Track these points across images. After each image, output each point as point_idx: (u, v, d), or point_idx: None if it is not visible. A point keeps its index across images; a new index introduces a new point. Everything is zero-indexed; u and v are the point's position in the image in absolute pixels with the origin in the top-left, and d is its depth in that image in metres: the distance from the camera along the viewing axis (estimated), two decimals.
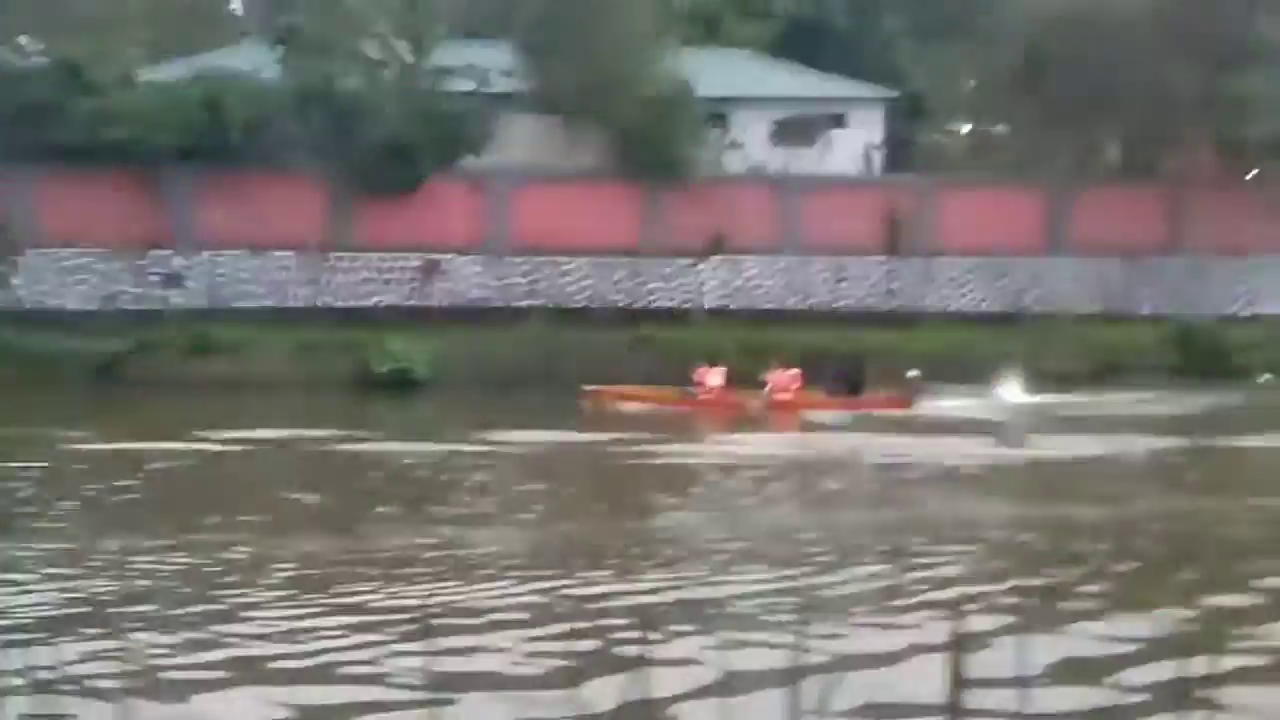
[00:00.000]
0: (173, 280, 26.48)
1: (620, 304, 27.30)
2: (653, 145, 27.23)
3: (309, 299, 26.76)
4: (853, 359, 23.48)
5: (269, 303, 26.47)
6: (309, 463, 15.71)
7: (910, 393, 21.91)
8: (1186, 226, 28.34)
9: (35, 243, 26.14)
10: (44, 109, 25.58)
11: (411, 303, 26.93)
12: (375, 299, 26.91)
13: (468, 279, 27.37)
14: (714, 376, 21.77)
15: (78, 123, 25.57)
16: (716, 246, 27.50)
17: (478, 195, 27.73)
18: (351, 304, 26.83)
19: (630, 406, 21.93)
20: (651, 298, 27.50)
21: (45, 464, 14.43)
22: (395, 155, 26.58)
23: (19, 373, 23.01)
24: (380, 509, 11.39)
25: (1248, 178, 28.51)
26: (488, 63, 28.30)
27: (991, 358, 24.96)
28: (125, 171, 26.24)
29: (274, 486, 13.61)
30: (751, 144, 29.40)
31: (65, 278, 26.24)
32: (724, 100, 29.41)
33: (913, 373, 22.64)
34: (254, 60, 27.81)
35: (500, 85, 28.14)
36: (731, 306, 27.40)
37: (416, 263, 27.08)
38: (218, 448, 15.86)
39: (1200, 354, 25.94)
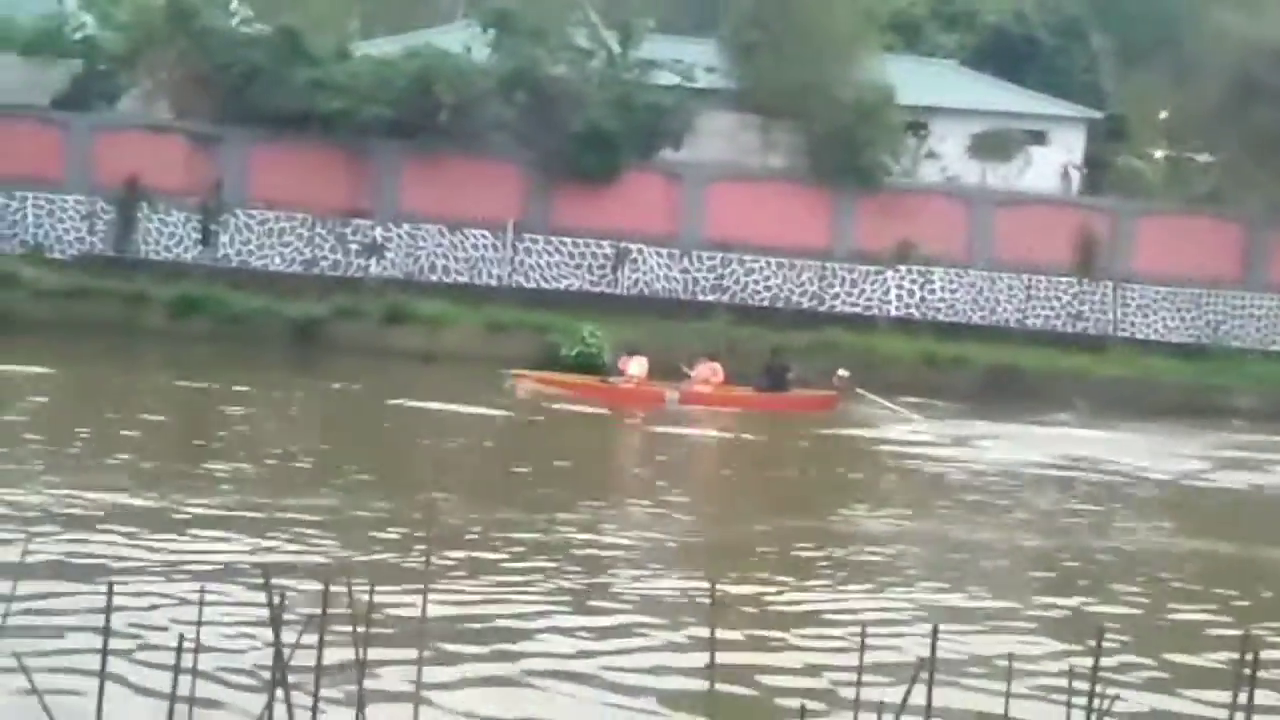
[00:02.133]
0: (373, 250, 24.18)
1: (804, 306, 24.00)
2: (849, 150, 24.37)
3: (501, 278, 24.22)
4: (782, 354, 20.67)
5: (463, 279, 24.06)
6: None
7: (839, 393, 19.41)
8: None
9: (244, 204, 24.17)
10: (262, 75, 23.83)
11: (600, 289, 24.25)
12: (565, 283, 24.21)
13: (655, 270, 24.58)
14: (635, 365, 19.38)
15: (294, 91, 23.89)
16: (905, 255, 24.26)
17: (673, 188, 25.16)
18: (542, 286, 24.24)
19: (549, 390, 19.44)
20: (836, 302, 24.09)
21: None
22: (595, 143, 24.30)
23: (218, 328, 21.92)
24: None
25: None
26: (692, 58, 26.05)
27: (1176, 387, 23.14)
28: (334, 141, 24.16)
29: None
30: (948, 155, 26.13)
31: (270, 240, 24.08)
32: (923, 109, 26.34)
33: (843, 373, 19.95)
34: (465, 41, 25.38)
35: (703, 81, 25.71)
36: (916, 316, 24.11)
37: (608, 250, 24.34)
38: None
39: None
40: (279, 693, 2.03)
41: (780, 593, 7.75)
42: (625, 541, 9.35)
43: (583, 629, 6.70)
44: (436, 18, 32.07)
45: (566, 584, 7.72)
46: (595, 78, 25.19)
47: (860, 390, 19.66)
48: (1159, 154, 27.99)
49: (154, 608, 6.08)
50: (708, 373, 19.41)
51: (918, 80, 26.22)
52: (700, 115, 25.46)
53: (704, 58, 26.21)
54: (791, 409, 19.36)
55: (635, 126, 24.58)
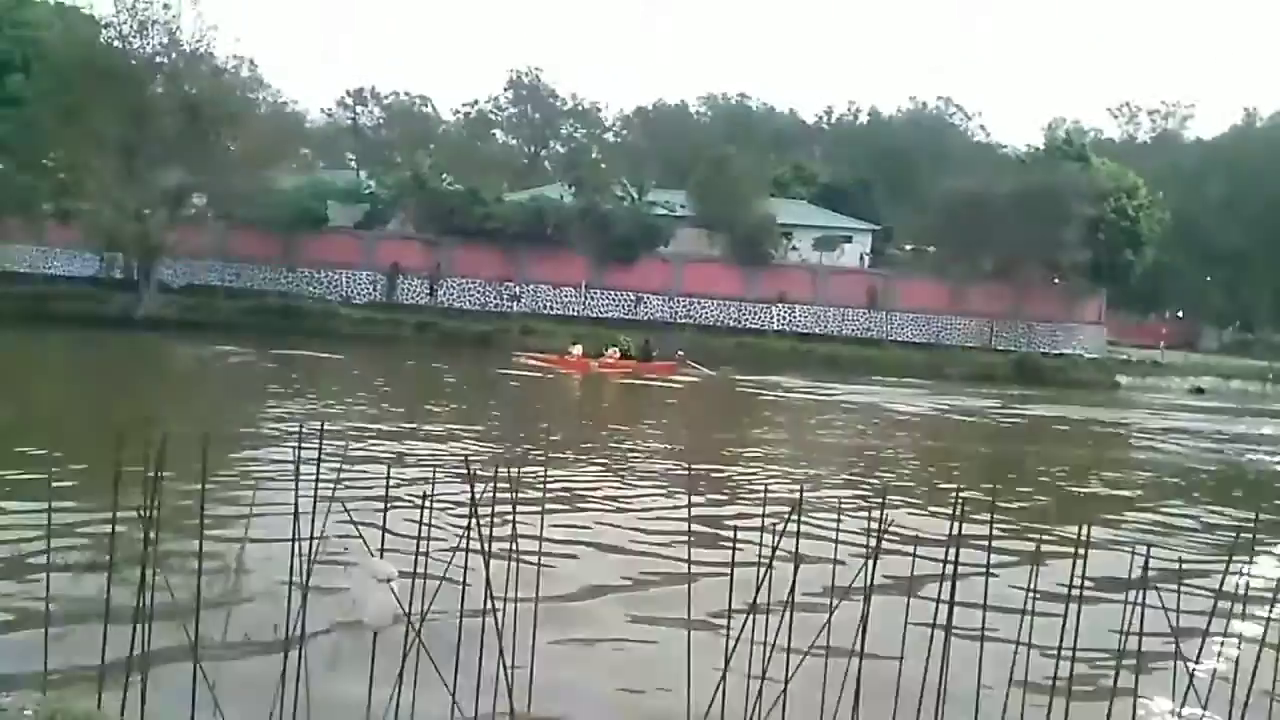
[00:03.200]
0: (514, 298, 39.86)
1: (730, 325, 41.81)
2: (753, 246, 40.48)
3: (580, 312, 39.86)
4: (647, 343, 31.58)
5: (559, 313, 39.66)
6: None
7: (677, 363, 30.13)
8: None
9: (450, 275, 40.15)
10: (458, 210, 39.30)
11: (628, 317, 39.75)
12: (610, 314, 40.07)
13: (656, 307, 40.50)
14: (576, 349, 29.75)
15: (474, 218, 39.16)
16: (781, 299, 42.10)
17: (666, 266, 41.00)
18: (600, 316, 39.77)
19: (532, 363, 28.45)
20: (746, 322, 41.42)
21: None
22: (625, 244, 40.16)
23: (438, 338, 35.19)
24: None
25: None
26: (674, 199, 42.34)
27: (919, 365, 39.49)
28: (494, 244, 39.84)
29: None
30: (803, 248, 42.94)
31: (463, 294, 39.90)
32: (789, 225, 42.91)
33: (680, 352, 31.34)
34: (559, 191, 42.34)
35: (679, 211, 41.85)
36: (786, 330, 42.70)
37: (631, 297, 40.57)
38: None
39: None
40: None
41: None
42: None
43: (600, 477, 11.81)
44: (545, 180, 49.54)
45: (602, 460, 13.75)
46: (623, 209, 41.20)
47: (689, 362, 30.51)
48: (909, 246, 46.19)
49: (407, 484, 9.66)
50: (613, 355, 29.66)
51: (787, 210, 43.77)
52: (678, 229, 41.83)
53: (679, 198, 42.63)
54: (653, 371, 28.79)
55: (645, 235, 40.66)
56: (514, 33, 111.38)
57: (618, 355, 29.94)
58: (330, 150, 65.47)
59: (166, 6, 33.04)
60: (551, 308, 40.82)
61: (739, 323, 41.24)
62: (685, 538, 4.84)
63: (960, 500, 4.05)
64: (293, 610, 4.44)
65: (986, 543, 4.13)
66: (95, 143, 31.54)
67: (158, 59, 33.79)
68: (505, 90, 69.06)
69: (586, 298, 41.31)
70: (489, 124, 70.48)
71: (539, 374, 27.59)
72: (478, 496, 4.16)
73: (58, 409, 16.03)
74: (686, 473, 10.18)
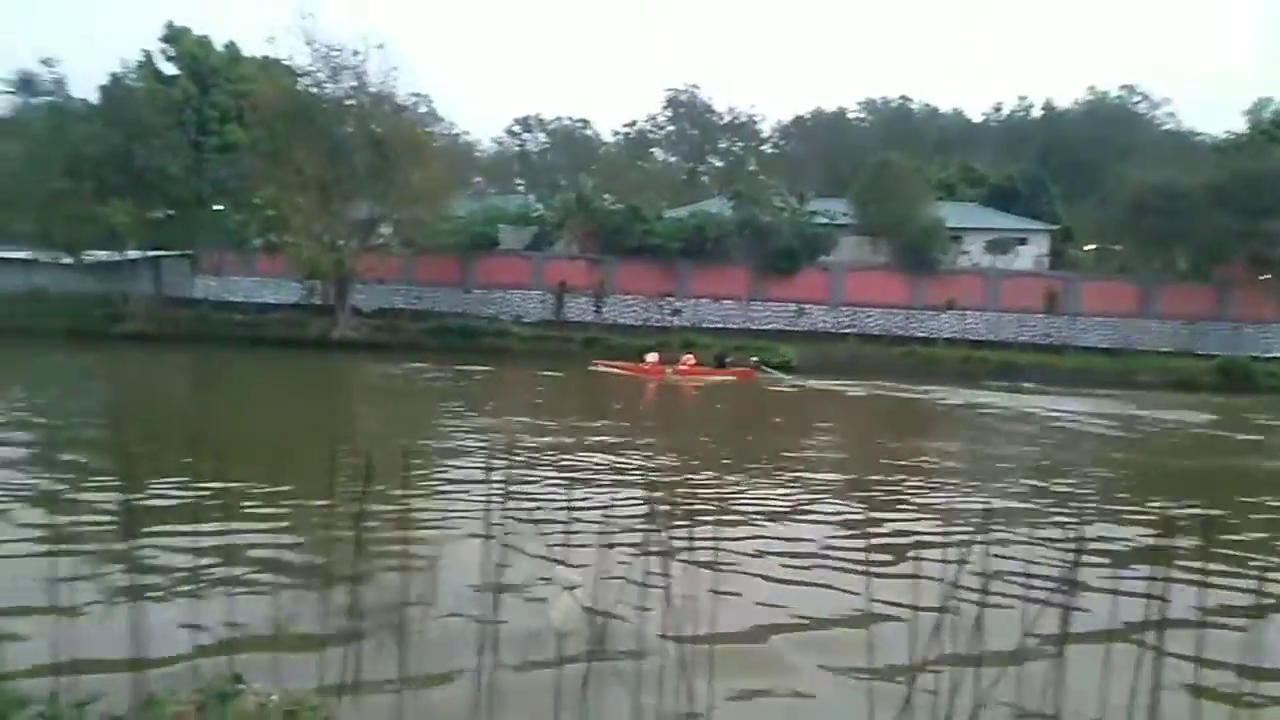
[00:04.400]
0: (676, 312, 40.57)
1: (898, 334, 39.58)
2: (918, 252, 39.38)
3: (739, 324, 40.20)
4: (723, 351, 32.78)
5: (719, 325, 39.81)
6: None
7: (754, 369, 31.07)
8: None
9: (614, 293, 41.17)
10: (621, 229, 40.32)
11: (790, 328, 39.73)
12: (771, 325, 40.09)
13: (818, 317, 40.28)
14: (652, 356, 31.48)
15: (635, 236, 39.98)
16: (950, 306, 40.34)
17: (826, 276, 40.54)
18: (761, 328, 39.77)
19: (610, 370, 30.36)
20: (915, 331, 39.59)
21: None
22: (786, 255, 39.98)
23: (604, 352, 35.23)
24: None
25: None
26: (835, 207, 41.71)
27: (1105, 372, 36.89)
28: (655, 260, 40.51)
29: None
30: (974, 253, 41.44)
31: (627, 310, 40.82)
32: (958, 229, 41.31)
33: (754, 359, 32.15)
34: (719, 207, 42.57)
35: (841, 220, 41.16)
36: (956, 338, 41.14)
37: (792, 308, 40.60)
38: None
39: None
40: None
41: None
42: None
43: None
44: (704, 195, 50.33)
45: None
46: (785, 220, 40.97)
47: (764, 368, 31.40)
48: (1091, 247, 43.17)
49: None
50: (688, 361, 30.86)
51: (955, 214, 42.14)
52: (840, 238, 41.39)
53: (841, 207, 41.90)
54: (728, 377, 30.01)
55: (806, 245, 40.27)
56: (671, 53, 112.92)
57: (692, 362, 30.87)
58: (500, 176, 68.62)
59: (356, 53, 35.75)
60: (712, 321, 40.95)
61: (906, 331, 40.10)
62: (862, 565, 4.71)
63: (1167, 523, 3.73)
64: (485, 613, 4.69)
65: (1199, 579, 3.79)
66: (297, 181, 34.49)
67: (347, 101, 36.59)
68: (663, 109, 70.26)
69: (748, 310, 41.12)
70: (648, 143, 71.77)
71: (622, 376, 29.50)
72: (654, 509, 4.20)
73: (279, 422, 17.63)
74: (860, 491, 10.32)
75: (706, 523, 6.34)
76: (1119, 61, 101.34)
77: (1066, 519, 9.80)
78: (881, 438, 19.70)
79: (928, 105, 71.29)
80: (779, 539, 9.30)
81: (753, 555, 8.36)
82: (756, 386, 29.59)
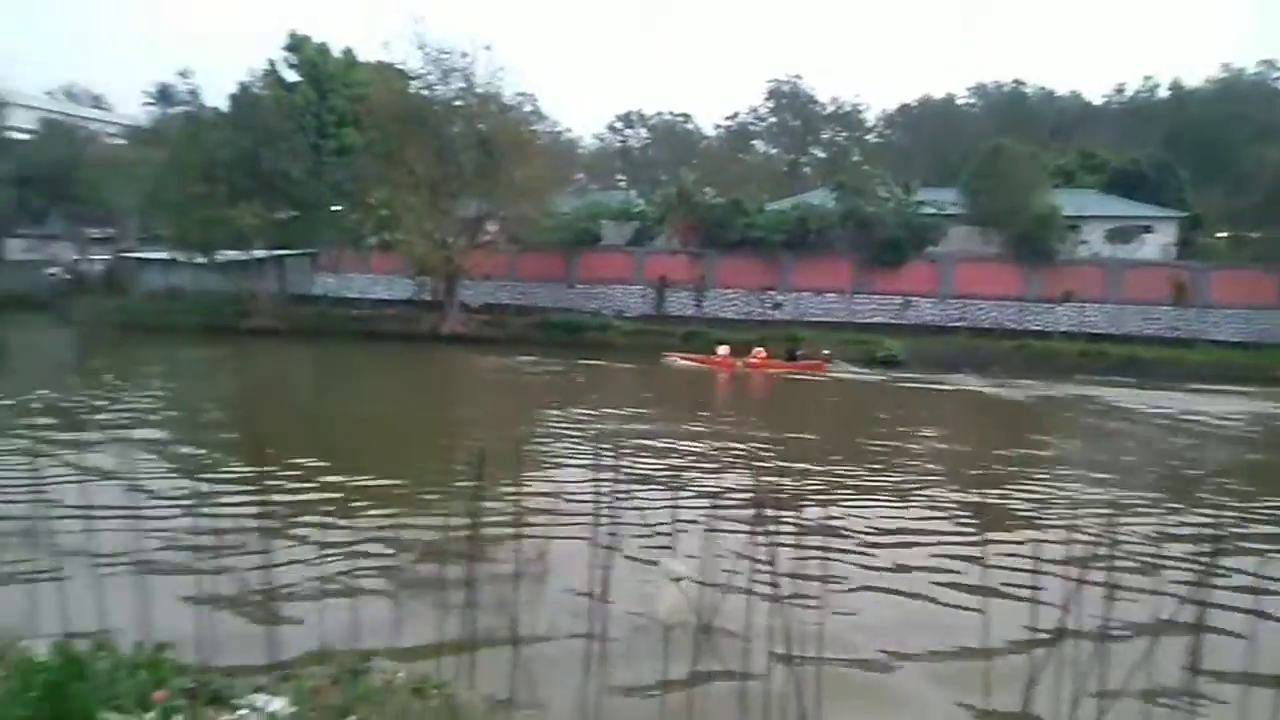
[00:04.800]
0: (776, 306, 40.21)
1: (1010, 327, 37.85)
2: (1033, 242, 37.77)
3: (842, 318, 39.63)
4: (795, 344, 33.52)
5: (822, 319, 39.19)
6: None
7: (825, 361, 31.56)
8: None
9: (715, 286, 41.05)
10: (722, 223, 40.01)
11: (895, 321, 38.65)
12: (876, 319, 39.18)
13: (926, 310, 39.17)
14: (723, 349, 32.11)
15: (736, 229, 39.81)
16: (1067, 298, 38.58)
17: (934, 268, 39.45)
18: (868, 322, 38.92)
19: (680, 363, 31.54)
20: (1029, 325, 37.92)
21: None
22: (891, 246, 38.90)
23: (701, 346, 35.02)
24: None
25: None
26: (943, 197, 40.55)
27: (1240, 367, 32.67)
28: (757, 253, 40.05)
29: None
30: (1094, 243, 39.67)
31: (728, 304, 40.71)
32: (1075, 217, 39.32)
33: (826, 351, 32.48)
34: (821, 198, 41.87)
35: (949, 210, 39.95)
36: (1074, 331, 38.99)
37: (898, 300, 39.53)
38: None
39: None
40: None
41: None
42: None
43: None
44: (806, 187, 49.79)
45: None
46: (889, 211, 39.68)
47: (835, 360, 31.71)
48: (1224, 234, 40.32)
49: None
50: (760, 354, 31.78)
51: (1073, 201, 39.99)
52: (948, 228, 40.07)
53: (950, 196, 40.61)
54: (798, 369, 30.89)
55: (914, 236, 39.06)
56: (773, 44, 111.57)
57: (763, 355, 31.67)
58: (601, 172, 69.29)
59: (464, 55, 36.72)
60: (815, 315, 40.37)
61: (1019, 324, 38.54)
62: (981, 583, 4.56)
63: None
64: (594, 601, 4.80)
65: None
66: (409, 181, 35.72)
67: (456, 102, 37.63)
68: (765, 100, 69.46)
69: (852, 303, 40.37)
70: (749, 135, 71.14)
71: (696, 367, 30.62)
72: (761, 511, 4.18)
73: (400, 413, 18.39)
74: (976, 490, 10.04)
75: (814, 529, 6.20)
76: (1255, 36, 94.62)
77: (1200, 530, 9.29)
78: (996, 435, 19.06)
79: (1043, 88, 68.14)
80: (895, 545, 9.10)
81: (870, 566, 8.15)
82: (860, 382, 29.21)
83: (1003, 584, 6.73)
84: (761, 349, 32.18)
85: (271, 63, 43.46)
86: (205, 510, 5.75)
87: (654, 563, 6.43)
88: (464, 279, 39.44)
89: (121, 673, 2.91)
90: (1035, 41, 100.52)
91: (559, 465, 11.96)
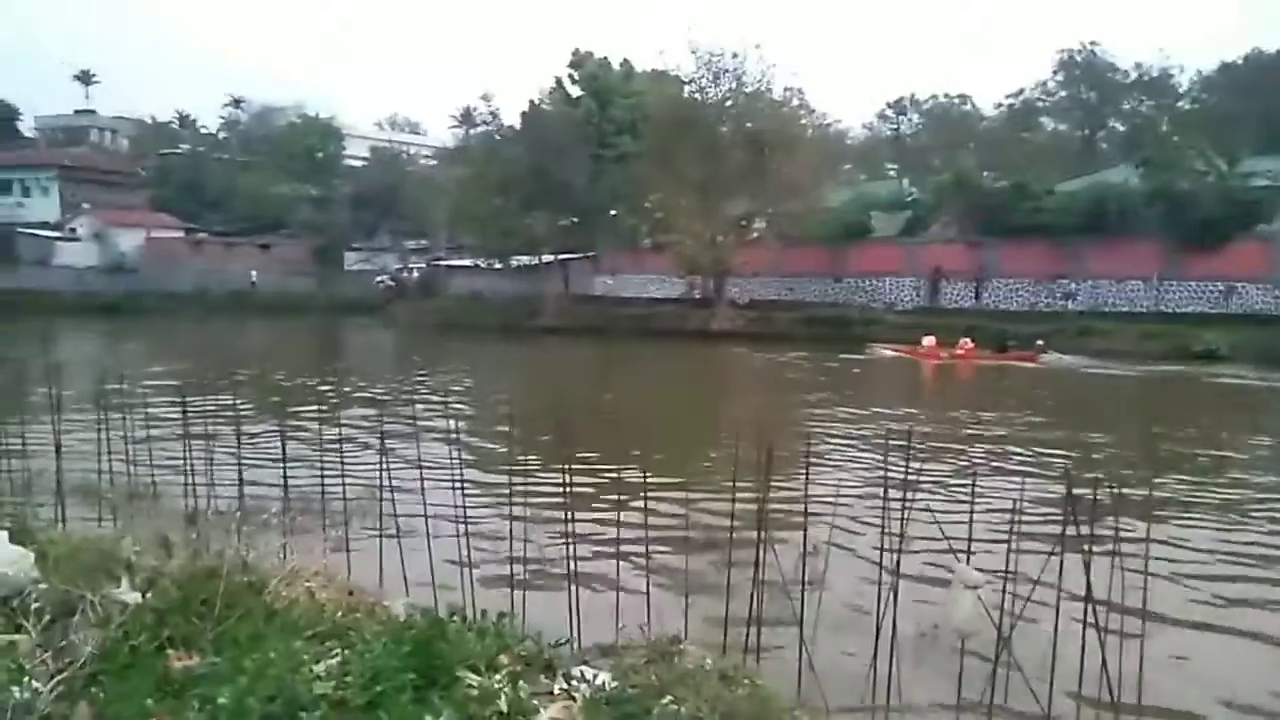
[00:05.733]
0: (1068, 295, 36.93)
1: None
2: None
3: (1149, 307, 35.61)
4: (1002, 335, 31.72)
5: (1124, 309, 35.77)
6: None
7: (1037, 353, 29.86)
8: None
9: (997, 276, 38.61)
10: (1001, 207, 37.73)
11: (1216, 310, 34.06)
12: (1191, 307, 34.64)
13: (1254, 298, 33.96)
14: (929, 339, 31.46)
15: (1021, 214, 37.14)
16: None
17: (1266, 248, 34.17)
18: (1177, 311, 34.75)
19: (888, 353, 31.32)
20: None
21: None
22: (1210, 226, 33.96)
23: (978, 338, 32.07)
24: None
25: None
26: (1275, 167, 35.25)
27: None
28: (1045, 239, 37.02)
29: None
30: None
31: (1011, 293, 38.06)
32: None
33: (1039, 342, 30.63)
34: (1124, 175, 37.96)
35: None
36: None
37: (1219, 287, 34.52)
38: None
39: None
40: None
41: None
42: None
43: None
44: (1104, 165, 45.35)
45: None
46: (1209, 186, 34.70)
47: (1050, 350, 29.91)
48: None
49: None
50: (967, 344, 30.62)
51: None
52: None
53: None
54: (1008, 360, 29.44)
55: (1239, 213, 33.85)
56: (1061, 12, 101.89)
57: (970, 345, 30.76)
58: (870, 162, 67.16)
59: (735, 55, 37.26)
60: (1115, 304, 36.54)
61: None
62: None
63: None
64: (882, 603, 4.77)
65: None
66: (680, 184, 36.88)
67: (726, 102, 38.29)
68: (1054, 74, 63.47)
69: (1159, 291, 36.01)
70: (1035, 113, 65.49)
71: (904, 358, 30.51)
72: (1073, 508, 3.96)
73: (685, 406, 19.34)
74: None
75: (1132, 550, 5.62)
76: None
77: None
78: None
79: None
80: (1227, 576, 8.02)
81: (1198, 599, 7.25)
82: (1142, 377, 26.75)
83: None
84: (968, 339, 31.31)
85: (558, 80, 46.78)
86: (518, 495, 6.42)
87: (948, 570, 6.25)
88: (732, 276, 40.05)
89: (472, 636, 3.38)
90: None
91: (837, 466, 11.91)
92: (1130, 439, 16.50)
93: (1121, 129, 60.89)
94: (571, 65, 46.65)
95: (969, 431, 16.19)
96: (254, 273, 55.27)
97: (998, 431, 16.35)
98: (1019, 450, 14.34)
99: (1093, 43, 61.56)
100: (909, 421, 16.50)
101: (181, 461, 7.80)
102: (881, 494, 5.27)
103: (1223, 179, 35.21)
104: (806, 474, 5.50)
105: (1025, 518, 5.74)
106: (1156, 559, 7.99)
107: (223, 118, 77.80)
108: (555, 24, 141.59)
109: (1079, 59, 61.86)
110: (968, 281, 39.38)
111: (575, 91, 46.15)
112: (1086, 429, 16.65)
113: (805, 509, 5.19)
